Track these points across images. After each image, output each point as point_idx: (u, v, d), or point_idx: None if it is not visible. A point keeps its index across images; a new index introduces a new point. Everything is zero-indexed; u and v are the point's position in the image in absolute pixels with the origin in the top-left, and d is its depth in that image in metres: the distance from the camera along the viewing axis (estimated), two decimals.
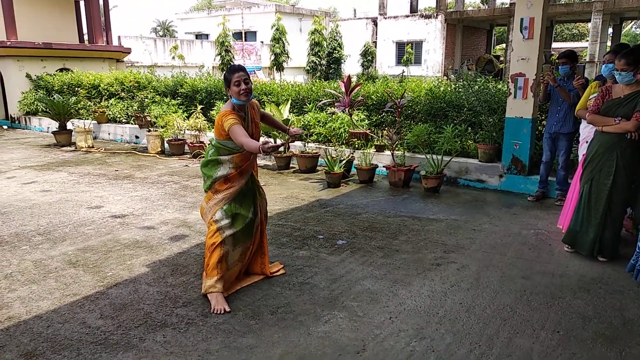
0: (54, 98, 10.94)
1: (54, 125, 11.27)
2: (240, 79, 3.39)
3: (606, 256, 4.14)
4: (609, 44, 26.70)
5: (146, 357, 2.79)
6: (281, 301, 3.44)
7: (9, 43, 13.02)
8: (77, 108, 11.47)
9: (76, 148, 10.00)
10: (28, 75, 13.68)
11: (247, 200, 3.58)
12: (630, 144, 3.96)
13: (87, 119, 11.57)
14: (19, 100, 13.51)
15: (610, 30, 28.04)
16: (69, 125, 10.97)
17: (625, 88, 4.03)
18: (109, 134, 11.48)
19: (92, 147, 10.09)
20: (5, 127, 13.69)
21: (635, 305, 3.39)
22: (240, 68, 3.47)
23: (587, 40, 28.12)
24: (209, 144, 3.64)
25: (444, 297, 3.51)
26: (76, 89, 12.42)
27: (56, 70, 13.96)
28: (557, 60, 5.82)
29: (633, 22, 39.98)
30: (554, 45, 33.10)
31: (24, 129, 13.46)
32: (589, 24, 26.30)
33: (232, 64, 22.38)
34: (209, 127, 9.34)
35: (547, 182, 6.04)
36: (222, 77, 3.40)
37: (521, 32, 6.03)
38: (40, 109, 12.06)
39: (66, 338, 2.97)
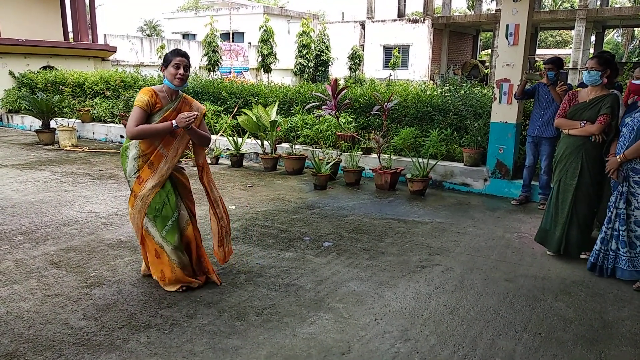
0: (37, 96, 10.78)
1: (37, 123, 11.10)
2: (181, 63, 3.38)
3: (572, 254, 4.29)
4: (591, 51, 27.17)
5: (130, 358, 2.76)
6: (267, 302, 3.43)
7: None
8: (60, 106, 11.29)
9: (59, 147, 9.86)
10: (11, 73, 13.45)
11: (169, 202, 3.45)
12: (594, 146, 4.13)
13: (71, 118, 11.40)
14: (1, 97, 13.24)
15: (593, 37, 28.55)
16: (53, 124, 10.81)
17: (591, 92, 4.20)
18: (93, 133, 11.34)
19: (76, 146, 9.95)
20: None
21: (615, 308, 3.46)
22: (185, 54, 3.45)
23: (571, 48, 28.61)
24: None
25: (428, 299, 3.54)
26: (60, 87, 12.24)
27: (40, 68, 13.76)
28: (542, 66, 5.92)
29: (615, 31, 40.78)
30: (538, 51, 33.58)
31: (5, 126, 13.22)
32: (573, 32, 26.76)
33: (219, 64, 22.38)
34: None
35: (530, 186, 6.13)
36: (163, 56, 3.44)
37: (506, 38, 6.11)
38: (23, 107, 11.87)
39: (48, 339, 2.93)
